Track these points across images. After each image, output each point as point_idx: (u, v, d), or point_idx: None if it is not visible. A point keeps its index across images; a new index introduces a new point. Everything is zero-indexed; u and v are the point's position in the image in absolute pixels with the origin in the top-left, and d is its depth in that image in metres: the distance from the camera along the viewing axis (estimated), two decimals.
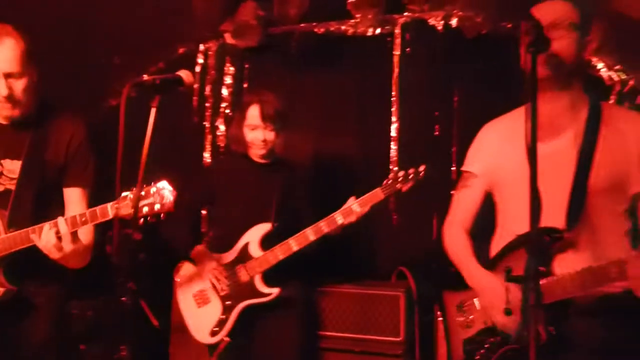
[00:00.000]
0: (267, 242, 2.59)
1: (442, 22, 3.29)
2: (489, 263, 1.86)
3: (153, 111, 1.62)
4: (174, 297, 2.76)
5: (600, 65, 3.00)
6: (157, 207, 1.75)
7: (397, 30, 3.39)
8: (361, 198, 2.52)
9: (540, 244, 1.55)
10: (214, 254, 2.64)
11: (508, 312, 1.59)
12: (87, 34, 3.17)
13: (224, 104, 3.78)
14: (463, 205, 2.01)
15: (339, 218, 2.51)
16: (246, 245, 2.61)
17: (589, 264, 1.57)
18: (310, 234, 2.52)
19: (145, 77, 1.67)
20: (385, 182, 2.53)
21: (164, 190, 1.76)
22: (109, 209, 1.83)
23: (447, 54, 3.29)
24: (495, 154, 1.89)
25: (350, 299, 2.90)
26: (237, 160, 2.74)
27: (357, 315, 2.87)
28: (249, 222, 2.63)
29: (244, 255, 2.60)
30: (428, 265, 3.18)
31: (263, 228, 2.61)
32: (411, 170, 2.53)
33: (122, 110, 1.58)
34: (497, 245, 1.86)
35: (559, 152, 1.68)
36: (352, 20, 3.46)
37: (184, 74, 1.74)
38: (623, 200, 1.67)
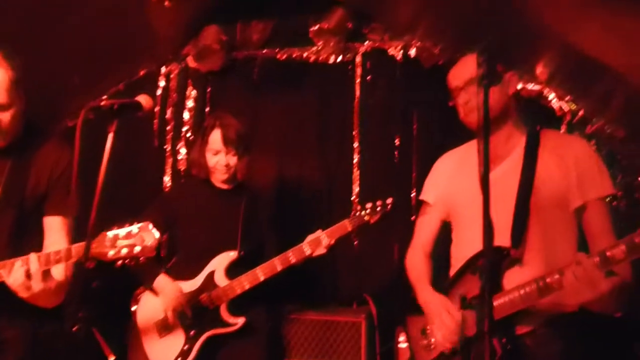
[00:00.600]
0: (232, 270, 2.56)
1: (401, 51, 3.39)
2: (445, 287, 1.93)
3: (110, 136, 1.57)
4: (133, 326, 2.67)
5: (551, 96, 3.13)
6: (137, 249, 1.66)
7: (358, 59, 3.46)
8: (328, 229, 2.52)
9: (493, 268, 1.63)
10: (177, 282, 2.57)
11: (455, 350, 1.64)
12: (46, 52, 3.10)
13: (185, 128, 3.75)
14: (422, 232, 2.13)
15: (306, 249, 2.50)
16: (211, 274, 2.55)
17: None
18: (277, 264, 2.50)
19: (104, 101, 1.62)
20: (352, 213, 2.55)
21: (146, 233, 1.67)
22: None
23: (407, 83, 3.38)
24: (448, 184, 2.01)
25: (312, 326, 2.89)
26: (198, 185, 2.70)
27: (319, 341, 2.86)
28: (213, 249, 2.57)
29: (209, 284, 2.55)
30: (390, 291, 3.20)
31: (229, 256, 2.56)
32: (379, 203, 2.55)
33: (77, 135, 1.53)
34: (453, 270, 1.93)
35: (503, 177, 1.79)
36: (314, 48, 3.52)
37: (143, 99, 1.70)
38: (568, 218, 1.77)
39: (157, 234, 1.69)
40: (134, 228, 1.69)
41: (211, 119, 2.69)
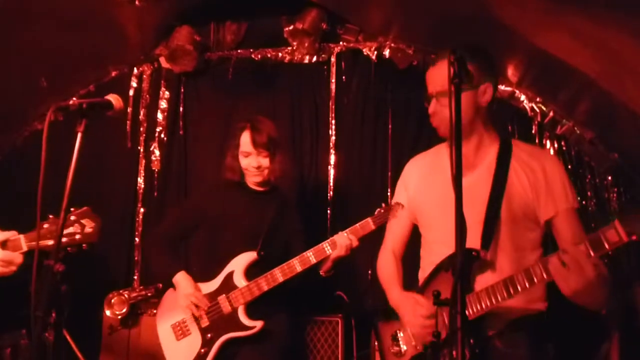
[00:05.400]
0: (253, 272, 2.45)
1: (375, 52, 3.40)
2: (419, 289, 1.92)
3: (79, 136, 1.55)
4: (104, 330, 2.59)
5: (522, 97, 3.19)
6: (77, 237, 1.66)
7: (333, 59, 3.47)
8: (351, 228, 2.39)
9: (466, 267, 1.63)
10: (198, 283, 2.48)
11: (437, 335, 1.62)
12: (14, 54, 3.03)
13: (158, 129, 3.70)
14: (393, 234, 2.15)
15: (327, 248, 2.39)
16: (230, 274, 2.46)
17: None
18: (297, 265, 2.39)
19: (72, 101, 1.59)
20: (377, 211, 2.38)
21: (86, 219, 1.67)
22: (22, 242, 1.69)
23: (382, 83, 3.40)
24: (416, 187, 2.02)
25: None
26: (231, 187, 2.60)
27: None
28: (237, 250, 2.48)
29: (228, 285, 2.45)
30: (366, 290, 3.21)
31: (248, 256, 2.46)
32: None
33: (45, 134, 1.50)
34: (423, 273, 1.94)
35: (473, 185, 1.79)
36: (289, 48, 3.51)
37: (113, 98, 1.66)
38: (536, 227, 1.79)
39: (96, 219, 1.67)
40: (72, 215, 1.68)
41: (242, 122, 2.59)
